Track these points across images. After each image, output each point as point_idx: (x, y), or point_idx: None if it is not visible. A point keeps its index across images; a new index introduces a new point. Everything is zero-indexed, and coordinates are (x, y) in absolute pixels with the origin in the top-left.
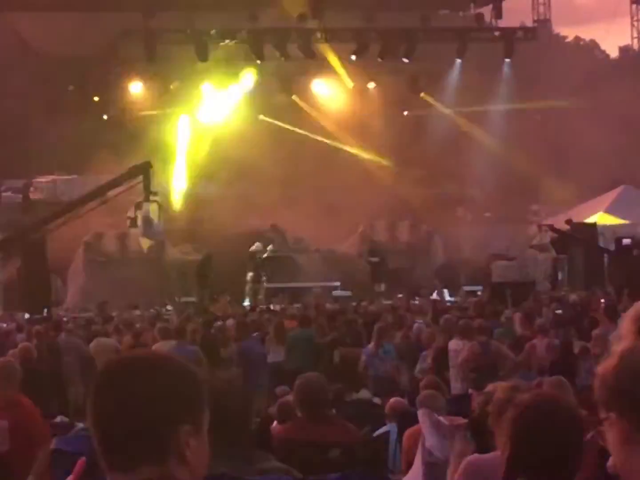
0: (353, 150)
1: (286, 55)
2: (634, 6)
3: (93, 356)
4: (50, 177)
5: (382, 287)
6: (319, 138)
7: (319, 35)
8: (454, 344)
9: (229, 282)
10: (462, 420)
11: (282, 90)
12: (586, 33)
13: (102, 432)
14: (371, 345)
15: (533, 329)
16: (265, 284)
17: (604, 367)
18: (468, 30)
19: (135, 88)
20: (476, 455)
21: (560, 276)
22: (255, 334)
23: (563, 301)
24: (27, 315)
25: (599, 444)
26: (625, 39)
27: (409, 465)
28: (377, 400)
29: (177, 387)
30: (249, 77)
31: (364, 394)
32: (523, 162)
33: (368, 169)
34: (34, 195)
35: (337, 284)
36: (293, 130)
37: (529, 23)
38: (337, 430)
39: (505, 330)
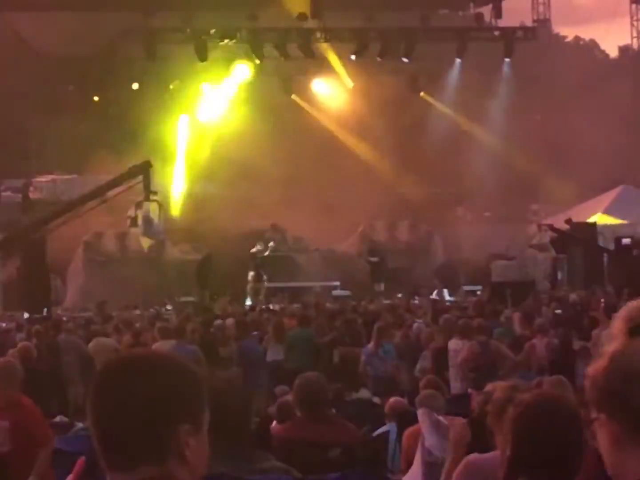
0: (353, 149)
1: (286, 55)
2: (634, 6)
3: (92, 356)
4: (49, 177)
5: (382, 286)
6: (319, 138)
7: (318, 34)
8: (453, 344)
9: (229, 282)
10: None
11: (282, 90)
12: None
13: (101, 432)
14: (371, 345)
15: (532, 329)
16: (266, 283)
17: (594, 368)
18: (468, 30)
19: (135, 88)
20: (476, 454)
21: (559, 276)
22: (254, 334)
23: (563, 301)
24: (26, 315)
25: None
26: (625, 39)
27: (409, 464)
28: (376, 399)
29: (177, 386)
30: (242, 69)
31: (364, 393)
32: (523, 161)
33: (368, 169)
34: (33, 195)
35: (337, 283)
36: (293, 130)
37: (529, 23)
38: (337, 429)
39: (504, 330)
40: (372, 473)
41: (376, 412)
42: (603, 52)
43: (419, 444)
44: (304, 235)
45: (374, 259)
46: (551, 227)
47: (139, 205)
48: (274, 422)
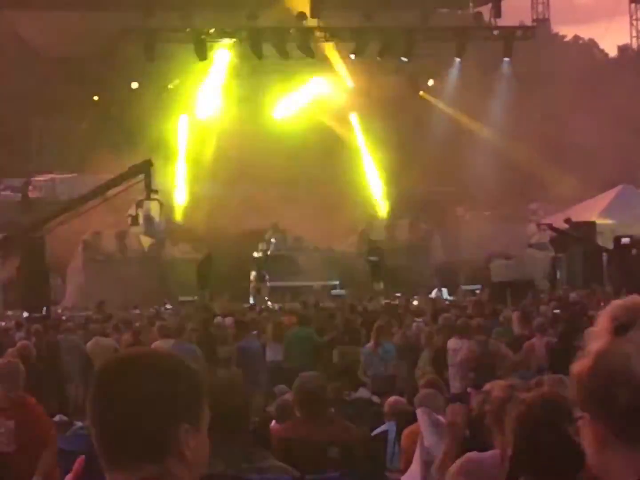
0: (353, 149)
1: (285, 54)
2: (633, 5)
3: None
4: (49, 176)
5: (381, 286)
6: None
7: (318, 34)
8: (452, 343)
9: (229, 282)
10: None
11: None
12: (585, 32)
13: (101, 431)
14: (370, 344)
15: (531, 328)
16: (268, 283)
17: (579, 367)
18: (467, 30)
19: (135, 87)
20: (475, 452)
21: (559, 275)
22: (253, 333)
23: (562, 300)
24: (26, 314)
25: None
26: (624, 38)
27: (408, 464)
28: (375, 399)
29: (177, 386)
30: (222, 54)
31: (363, 392)
32: (522, 161)
33: (367, 168)
34: (33, 194)
35: (336, 282)
36: (293, 130)
37: (528, 22)
38: (336, 429)
39: (503, 330)
40: (371, 472)
41: (375, 411)
42: (602, 51)
43: (418, 443)
44: (303, 235)
45: (374, 259)
46: (550, 227)
47: (139, 204)
48: (273, 422)
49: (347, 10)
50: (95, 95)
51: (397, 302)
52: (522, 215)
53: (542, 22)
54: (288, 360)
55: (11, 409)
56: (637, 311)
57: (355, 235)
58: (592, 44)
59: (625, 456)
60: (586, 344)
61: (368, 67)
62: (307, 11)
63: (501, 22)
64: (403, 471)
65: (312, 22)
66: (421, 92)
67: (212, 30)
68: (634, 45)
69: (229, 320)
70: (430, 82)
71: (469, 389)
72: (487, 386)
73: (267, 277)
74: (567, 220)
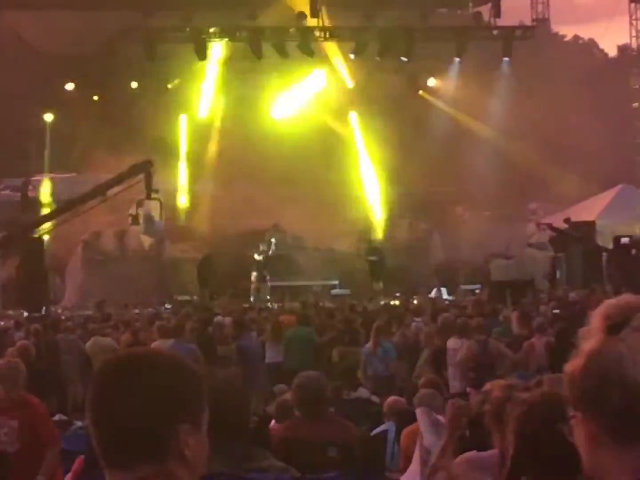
0: (353, 148)
1: (285, 54)
2: (633, 5)
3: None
4: (48, 176)
5: (381, 285)
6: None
7: (318, 33)
8: (452, 343)
9: (229, 282)
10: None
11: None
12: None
13: (101, 431)
14: (369, 344)
15: (531, 328)
16: (269, 283)
17: (572, 366)
18: (467, 29)
19: (135, 87)
20: (475, 452)
21: (558, 275)
22: (253, 332)
23: (561, 300)
24: (25, 314)
25: None
26: (624, 38)
27: (407, 463)
28: (375, 398)
29: (177, 385)
30: (222, 54)
31: (363, 392)
32: (522, 161)
33: (367, 168)
34: (32, 194)
35: (336, 282)
36: (293, 129)
37: (528, 22)
38: (336, 428)
39: (503, 329)
40: (371, 472)
41: (375, 411)
42: (602, 51)
43: (418, 443)
44: (303, 235)
45: (373, 258)
46: (550, 226)
47: (140, 204)
48: (273, 421)
49: (347, 10)
50: (95, 95)
51: (396, 301)
52: (522, 215)
53: (542, 22)
54: (287, 360)
55: (14, 409)
56: (630, 310)
57: (355, 235)
58: (592, 43)
59: (618, 456)
60: (580, 343)
61: (368, 67)
62: (307, 11)
63: (501, 22)
64: (402, 471)
65: (312, 21)
66: (421, 92)
67: (212, 30)
68: (634, 45)
69: (228, 320)
70: (430, 82)
71: (468, 389)
72: (486, 386)
73: (267, 277)
74: (567, 220)
